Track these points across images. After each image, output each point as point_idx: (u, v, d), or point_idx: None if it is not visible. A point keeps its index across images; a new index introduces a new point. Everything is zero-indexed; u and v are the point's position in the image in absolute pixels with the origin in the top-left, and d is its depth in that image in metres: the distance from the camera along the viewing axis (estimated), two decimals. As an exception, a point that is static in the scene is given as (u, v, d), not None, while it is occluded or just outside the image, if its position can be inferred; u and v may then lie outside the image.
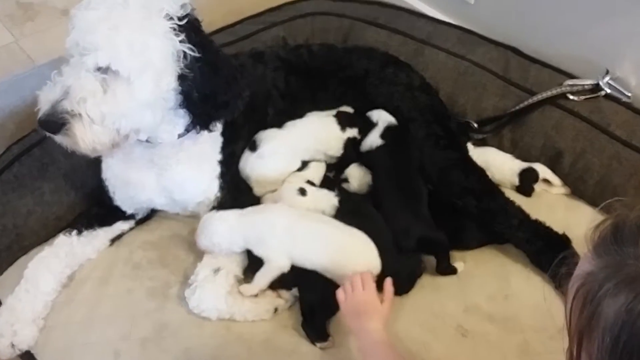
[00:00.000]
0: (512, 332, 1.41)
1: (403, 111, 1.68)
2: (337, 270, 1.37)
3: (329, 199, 1.54)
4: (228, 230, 1.44)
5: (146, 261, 1.55)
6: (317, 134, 1.67)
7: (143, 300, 1.47)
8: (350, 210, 1.53)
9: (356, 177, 1.65)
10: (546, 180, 1.70)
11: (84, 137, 1.26)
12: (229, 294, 1.42)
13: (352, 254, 1.39)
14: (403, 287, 1.45)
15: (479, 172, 1.63)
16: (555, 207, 1.65)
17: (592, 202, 1.64)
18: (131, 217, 1.61)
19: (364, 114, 1.71)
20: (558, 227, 1.51)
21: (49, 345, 1.39)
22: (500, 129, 1.78)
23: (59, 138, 1.28)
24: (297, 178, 1.61)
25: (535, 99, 1.70)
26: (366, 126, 1.67)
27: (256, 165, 1.60)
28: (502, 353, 1.38)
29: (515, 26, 1.90)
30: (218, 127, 1.45)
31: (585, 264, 0.75)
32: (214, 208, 1.54)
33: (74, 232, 1.53)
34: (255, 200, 1.60)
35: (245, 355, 1.37)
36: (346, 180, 1.66)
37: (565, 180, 1.69)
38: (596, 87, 1.69)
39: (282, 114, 1.69)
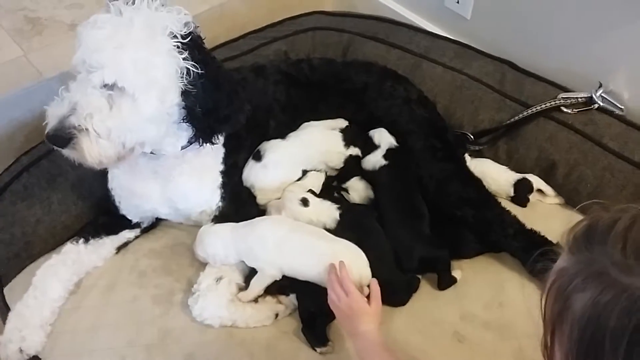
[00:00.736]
0: (507, 338, 1.43)
1: (401, 124, 1.71)
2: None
3: (331, 212, 1.56)
4: (222, 244, 1.48)
5: (151, 269, 1.58)
6: (320, 147, 1.69)
7: (148, 307, 1.49)
8: (351, 223, 1.55)
9: (357, 190, 1.68)
10: (540, 191, 1.72)
11: (91, 151, 1.29)
12: (230, 301, 1.44)
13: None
14: (401, 299, 1.48)
15: (476, 183, 1.65)
16: (550, 217, 1.67)
17: (580, 209, 1.66)
18: (137, 225, 1.64)
19: (362, 126, 1.74)
20: (553, 237, 1.52)
21: (56, 351, 1.41)
22: (496, 141, 1.81)
23: (66, 152, 1.31)
24: (297, 187, 1.64)
25: (530, 111, 1.73)
26: (368, 146, 1.69)
27: (260, 175, 1.64)
28: (498, 359, 1.40)
29: (510, 41, 1.93)
30: (220, 139, 1.48)
31: (560, 261, 0.79)
32: (215, 217, 1.58)
33: (81, 240, 1.57)
34: (256, 210, 1.63)
35: (248, 361, 1.40)
36: (347, 191, 1.69)
37: (559, 191, 1.72)
38: (590, 100, 1.71)
39: (283, 126, 1.72)
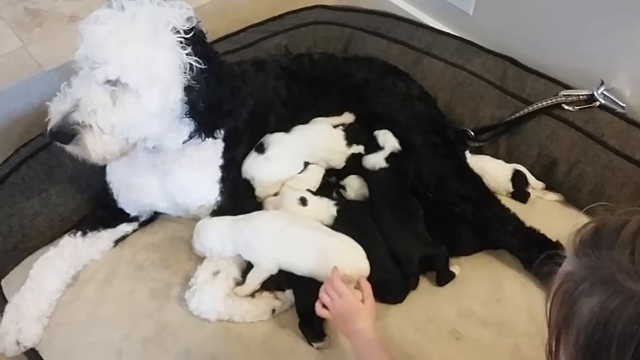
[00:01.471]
0: (504, 336, 1.43)
1: (401, 120, 1.71)
2: (325, 276, 1.38)
3: (329, 209, 1.56)
4: (219, 237, 1.48)
5: (149, 263, 1.58)
6: (324, 145, 1.69)
7: (145, 301, 1.50)
8: (348, 220, 1.55)
9: (354, 187, 1.68)
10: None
11: (95, 147, 1.29)
12: (227, 296, 1.45)
13: (339, 259, 1.39)
14: (397, 297, 1.48)
15: (476, 180, 1.65)
16: (549, 215, 1.66)
17: (586, 211, 1.66)
18: (135, 219, 1.64)
19: (363, 122, 1.73)
20: (552, 235, 1.53)
21: (53, 344, 1.42)
22: (496, 138, 1.80)
23: (69, 148, 1.31)
24: (296, 182, 1.64)
25: (531, 108, 1.72)
26: (371, 145, 1.69)
27: (262, 167, 1.64)
28: (495, 357, 1.40)
29: (512, 37, 1.93)
30: (221, 133, 1.48)
31: (566, 265, 0.79)
32: (214, 211, 1.58)
33: (79, 233, 1.57)
34: (255, 204, 1.63)
35: (244, 355, 1.39)
36: (344, 188, 1.69)
37: (559, 189, 1.72)
38: (591, 98, 1.70)
39: (284, 120, 1.72)
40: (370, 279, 1.39)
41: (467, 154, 1.76)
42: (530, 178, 1.72)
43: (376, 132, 1.70)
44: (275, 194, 1.65)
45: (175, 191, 1.56)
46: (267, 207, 1.61)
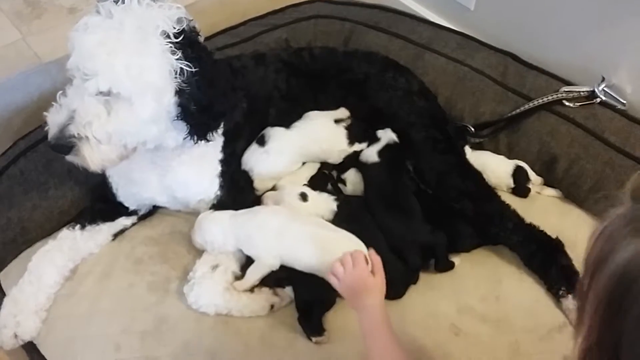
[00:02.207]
0: (503, 332, 1.43)
1: (402, 115, 1.70)
2: (327, 272, 1.37)
3: (329, 204, 1.56)
4: (220, 230, 1.47)
5: (147, 256, 1.57)
6: (324, 143, 1.69)
7: (144, 295, 1.49)
8: (348, 215, 1.55)
9: (352, 182, 1.68)
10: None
11: (92, 157, 1.30)
12: (226, 290, 1.44)
13: (341, 254, 1.38)
14: (397, 292, 1.47)
15: (476, 176, 1.65)
16: (549, 211, 1.66)
17: (585, 207, 1.66)
18: (134, 213, 1.63)
19: (363, 117, 1.72)
20: (552, 231, 1.53)
21: (51, 337, 1.42)
22: (497, 134, 1.80)
23: (69, 158, 1.32)
24: (293, 177, 1.64)
25: (531, 104, 1.72)
26: (372, 142, 1.68)
27: (261, 160, 1.64)
28: (494, 353, 1.40)
29: (514, 33, 1.92)
30: (215, 135, 1.46)
31: (620, 207, 0.78)
32: (213, 205, 1.57)
33: (78, 226, 1.56)
34: (254, 199, 1.62)
35: (243, 350, 1.39)
36: (344, 182, 1.68)
37: (560, 185, 1.72)
38: (592, 94, 1.70)
39: (283, 114, 1.71)
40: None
41: (467, 149, 1.75)
42: (531, 173, 1.72)
43: (378, 132, 1.69)
44: (273, 188, 1.65)
45: (175, 186, 1.55)
46: (267, 202, 1.61)
